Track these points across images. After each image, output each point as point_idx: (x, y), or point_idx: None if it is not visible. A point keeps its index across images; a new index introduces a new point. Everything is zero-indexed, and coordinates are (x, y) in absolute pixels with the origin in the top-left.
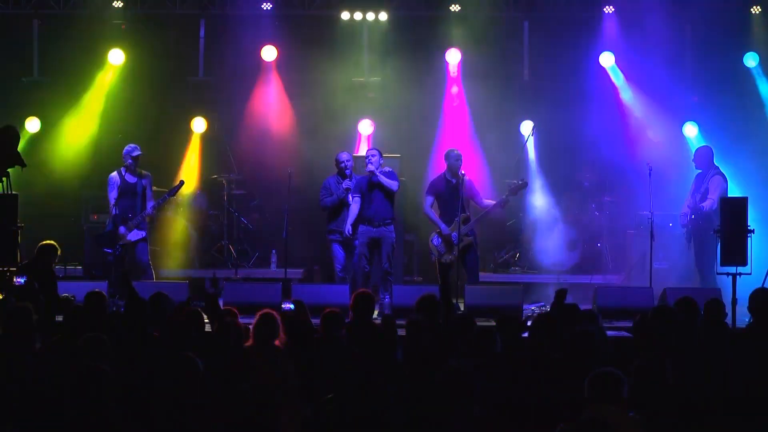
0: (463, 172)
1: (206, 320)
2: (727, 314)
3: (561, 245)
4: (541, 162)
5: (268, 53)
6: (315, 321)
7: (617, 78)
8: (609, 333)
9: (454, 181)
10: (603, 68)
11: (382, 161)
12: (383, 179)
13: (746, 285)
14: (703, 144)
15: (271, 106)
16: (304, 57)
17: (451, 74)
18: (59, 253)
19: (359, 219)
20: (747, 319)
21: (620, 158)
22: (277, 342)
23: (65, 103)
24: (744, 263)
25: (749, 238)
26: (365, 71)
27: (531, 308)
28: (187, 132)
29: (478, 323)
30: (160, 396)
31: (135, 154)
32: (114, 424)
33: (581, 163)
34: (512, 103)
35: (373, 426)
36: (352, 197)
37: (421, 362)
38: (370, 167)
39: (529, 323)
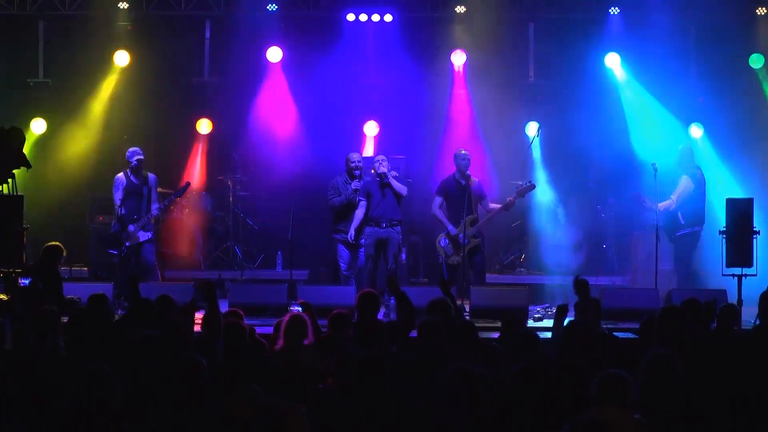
0: (469, 173)
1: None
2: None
3: (566, 246)
4: (546, 163)
5: (274, 54)
6: (322, 323)
7: (623, 79)
8: (614, 335)
9: (463, 182)
10: (608, 69)
11: (388, 164)
12: (394, 183)
13: (754, 286)
14: (707, 144)
15: (276, 108)
16: (309, 58)
17: (457, 75)
18: (65, 254)
19: (366, 220)
20: (753, 321)
21: (626, 159)
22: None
23: (71, 104)
24: (750, 264)
25: (755, 240)
26: (371, 72)
27: (537, 309)
28: (193, 133)
29: (483, 324)
30: (163, 399)
31: (137, 157)
32: (117, 427)
33: (587, 164)
34: (517, 105)
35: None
36: (359, 201)
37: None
38: (382, 169)
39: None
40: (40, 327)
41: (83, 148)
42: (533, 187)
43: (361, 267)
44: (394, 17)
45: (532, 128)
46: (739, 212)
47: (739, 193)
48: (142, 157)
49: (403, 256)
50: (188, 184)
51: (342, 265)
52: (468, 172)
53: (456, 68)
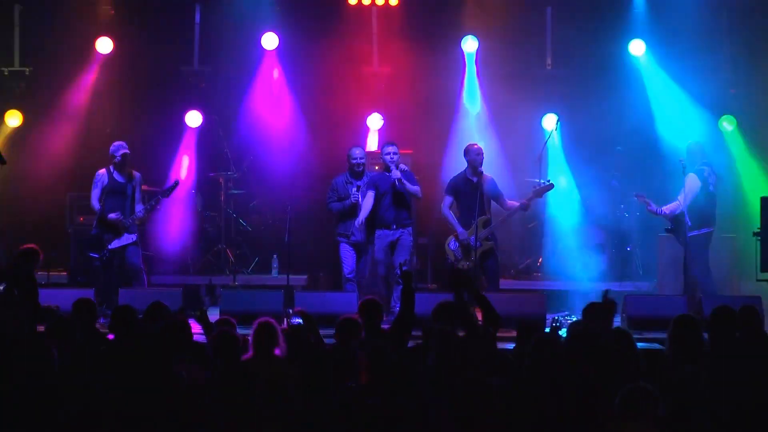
0: (481, 170)
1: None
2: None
3: (587, 249)
4: (565, 159)
5: (269, 41)
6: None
7: (648, 68)
8: (639, 345)
9: (475, 179)
10: (633, 57)
11: (398, 157)
12: (409, 187)
13: None
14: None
15: (272, 99)
16: (308, 45)
17: (468, 63)
18: (41, 258)
19: (376, 223)
20: None
21: (651, 155)
22: (277, 351)
23: (49, 95)
24: None
25: None
26: (374, 61)
27: (555, 318)
28: (181, 126)
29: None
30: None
31: (122, 152)
32: None
33: (609, 159)
34: (534, 95)
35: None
36: (365, 192)
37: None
38: (396, 173)
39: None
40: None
41: (62, 143)
42: (551, 186)
43: (365, 271)
44: (400, 0)
45: (549, 121)
46: None
47: None
48: (127, 151)
49: (414, 259)
50: (177, 182)
51: (345, 269)
52: (480, 168)
53: (467, 56)
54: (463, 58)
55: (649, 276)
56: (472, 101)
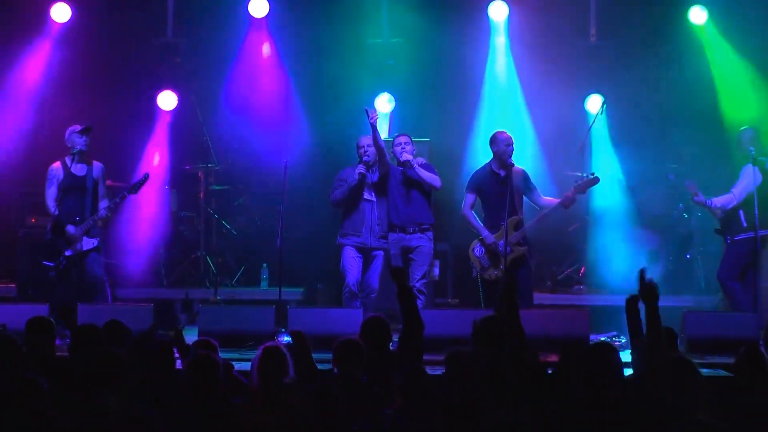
0: (511, 162)
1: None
2: None
3: (639, 257)
4: (613, 148)
5: (257, 7)
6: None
7: (711, 39)
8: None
9: (502, 173)
10: (693, 26)
11: (415, 150)
12: (422, 173)
13: None
14: None
15: (262, 76)
16: (304, 12)
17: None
18: None
19: (388, 225)
20: None
21: (716, 143)
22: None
23: None
24: None
25: None
26: (384, 31)
27: (600, 338)
28: (153, 110)
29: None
30: None
31: (82, 139)
32: None
33: (665, 149)
34: (575, 73)
35: None
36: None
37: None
38: (405, 156)
39: None
40: None
41: (10, 132)
42: (596, 180)
43: (373, 285)
44: None
45: (594, 103)
46: None
47: None
48: (88, 138)
49: (436, 270)
50: (147, 176)
51: (349, 279)
52: (510, 160)
53: (494, 25)
54: (490, 28)
55: (713, 289)
56: (501, 80)
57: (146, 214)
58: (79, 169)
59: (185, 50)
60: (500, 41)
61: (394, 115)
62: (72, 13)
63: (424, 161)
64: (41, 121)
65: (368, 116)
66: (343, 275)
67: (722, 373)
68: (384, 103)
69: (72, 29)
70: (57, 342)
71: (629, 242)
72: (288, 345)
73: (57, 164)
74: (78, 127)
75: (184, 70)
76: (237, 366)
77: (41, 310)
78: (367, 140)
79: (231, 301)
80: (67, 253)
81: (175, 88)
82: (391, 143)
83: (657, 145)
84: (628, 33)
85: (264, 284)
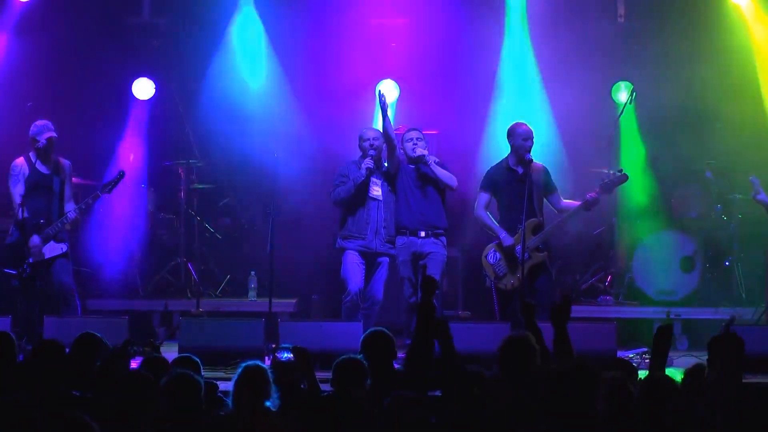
0: (530, 158)
1: None
2: None
3: (672, 264)
4: (643, 142)
5: None
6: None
7: (754, 20)
8: None
9: (520, 170)
10: (733, 6)
11: (425, 143)
12: (438, 170)
13: None
14: None
15: (249, 62)
16: None
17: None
18: None
19: (396, 228)
20: None
21: (759, 136)
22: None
23: None
24: None
25: None
26: (385, 9)
27: (629, 356)
28: (127, 99)
29: None
30: None
31: (46, 135)
32: None
33: (702, 144)
34: (601, 58)
35: None
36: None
37: None
38: (419, 151)
39: None
40: None
41: None
42: (625, 178)
43: (377, 295)
44: None
45: (622, 92)
46: None
47: None
48: (53, 134)
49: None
50: (121, 173)
51: (351, 287)
52: (529, 156)
53: (511, 3)
54: (505, 6)
55: (755, 300)
56: (518, 65)
57: (120, 216)
58: (44, 167)
59: (164, 32)
60: (517, 22)
61: (399, 105)
62: None
63: (438, 160)
64: (1, 111)
65: (379, 101)
66: (344, 283)
67: None
68: (388, 90)
69: (36, 7)
70: (19, 358)
71: (661, 248)
72: (285, 363)
73: (21, 160)
74: (43, 123)
75: (162, 54)
76: (222, 386)
77: (3, 323)
78: (372, 132)
79: (215, 314)
80: (30, 260)
81: (152, 75)
82: (400, 138)
83: (692, 139)
84: (659, 13)
85: (252, 294)
